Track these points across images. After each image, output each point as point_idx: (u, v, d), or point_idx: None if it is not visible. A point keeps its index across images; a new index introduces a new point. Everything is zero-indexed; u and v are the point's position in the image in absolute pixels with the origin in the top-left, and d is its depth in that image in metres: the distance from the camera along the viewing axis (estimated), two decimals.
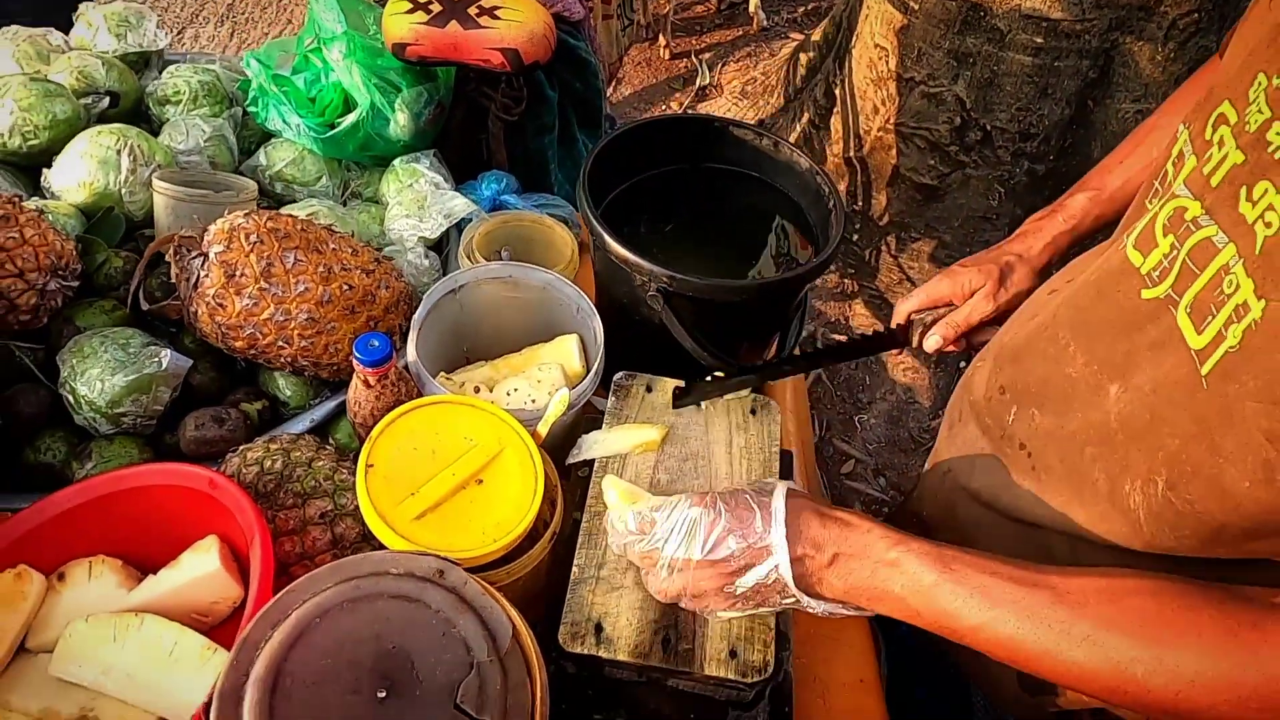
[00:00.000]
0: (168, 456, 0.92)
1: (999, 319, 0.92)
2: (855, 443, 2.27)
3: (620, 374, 0.96)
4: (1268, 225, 0.52)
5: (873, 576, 0.62)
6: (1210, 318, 0.56)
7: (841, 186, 2.51)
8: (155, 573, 0.81)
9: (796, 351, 0.99)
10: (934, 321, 0.96)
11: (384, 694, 0.63)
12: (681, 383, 0.90)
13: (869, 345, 0.97)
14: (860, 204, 2.44)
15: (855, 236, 2.48)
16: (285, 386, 0.99)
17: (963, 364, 2.39)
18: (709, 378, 0.87)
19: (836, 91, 2.44)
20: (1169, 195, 0.62)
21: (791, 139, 2.71)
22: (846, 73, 2.36)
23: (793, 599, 0.65)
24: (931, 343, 0.95)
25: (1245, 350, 0.54)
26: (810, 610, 0.66)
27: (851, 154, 2.39)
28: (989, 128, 2.07)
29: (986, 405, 0.84)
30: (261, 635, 0.65)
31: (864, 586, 0.63)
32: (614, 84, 3.30)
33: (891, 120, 2.23)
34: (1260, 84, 0.56)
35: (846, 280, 2.54)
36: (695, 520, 0.66)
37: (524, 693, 0.66)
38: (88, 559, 0.82)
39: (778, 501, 0.66)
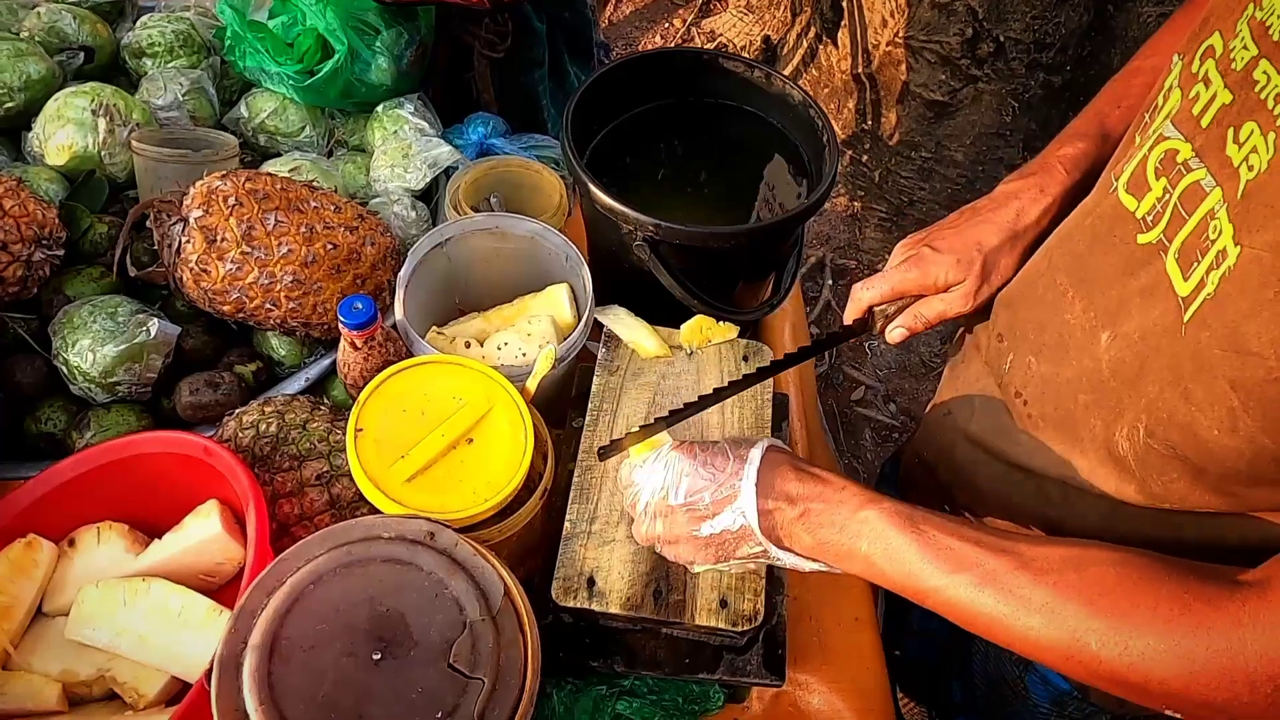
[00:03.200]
0: (166, 421, 0.93)
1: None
2: (865, 369, 2.26)
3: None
4: (1250, 168, 0.50)
5: (841, 533, 0.62)
6: (1195, 264, 0.54)
7: (850, 104, 2.42)
8: (161, 536, 0.83)
9: (756, 367, 0.82)
10: (898, 311, 0.84)
11: (379, 656, 0.65)
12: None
13: (823, 346, 0.86)
14: (869, 123, 2.36)
15: (865, 157, 2.41)
16: (279, 346, 1.00)
17: None
18: (638, 428, 0.77)
19: (844, 3, 2.33)
20: (1158, 137, 0.59)
21: (798, 55, 2.60)
22: None
23: (760, 548, 0.66)
24: (895, 335, 0.84)
25: (1219, 297, 0.52)
26: (778, 563, 0.67)
27: (860, 70, 2.30)
28: (1002, 39, 1.97)
29: (986, 350, 0.83)
30: (258, 603, 0.66)
31: (832, 542, 0.63)
32: (615, 2, 3.17)
33: (901, 33, 2.13)
34: (1248, 13, 0.53)
35: (856, 203, 2.48)
36: (670, 465, 0.67)
37: (516, 650, 0.68)
38: (95, 525, 0.84)
39: (754, 452, 0.66)
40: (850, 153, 2.42)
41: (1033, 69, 2.02)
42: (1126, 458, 0.65)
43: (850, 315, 0.87)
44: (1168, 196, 0.58)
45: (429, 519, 0.73)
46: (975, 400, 0.84)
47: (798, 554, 0.65)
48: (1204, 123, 0.55)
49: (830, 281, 2.38)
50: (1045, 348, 0.72)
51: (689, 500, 0.66)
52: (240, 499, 0.78)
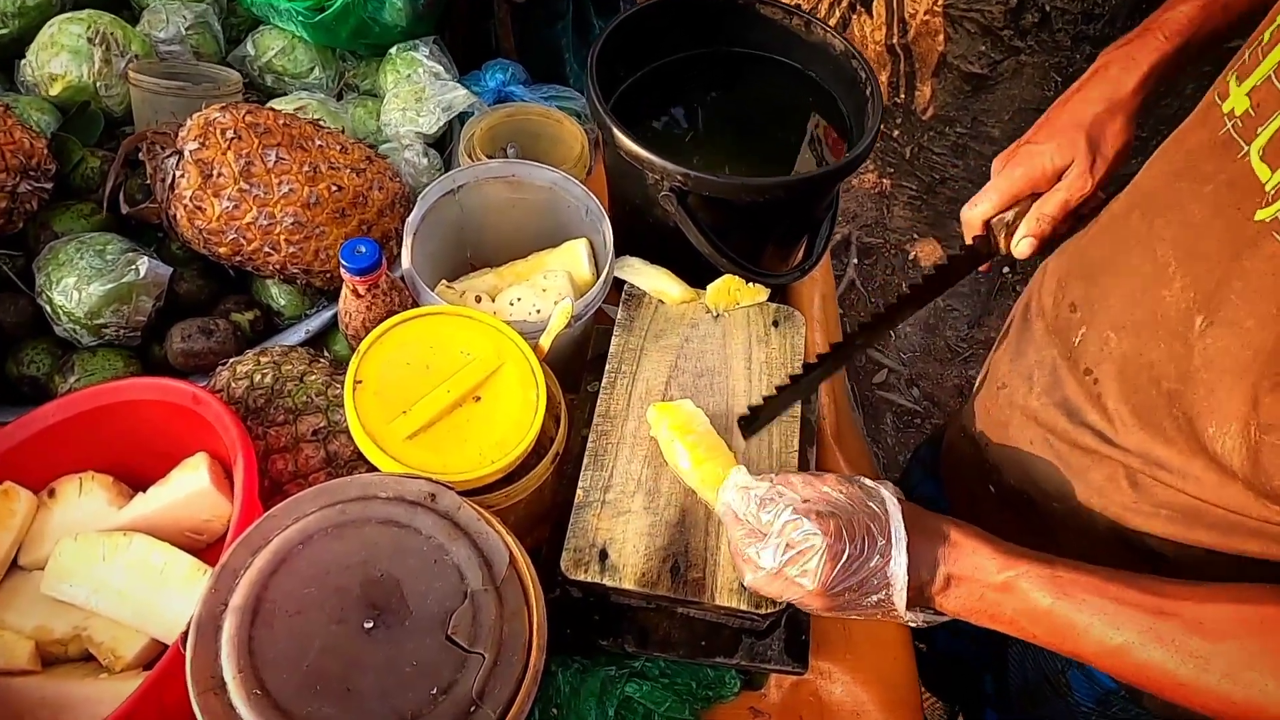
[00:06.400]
0: (157, 369, 0.88)
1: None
2: (889, 351, 2.18)
3: (631, 283, 0.90)
4: None
5: (982, 600, 0.59)
6: None
7: (882, 78, 2.33)
8: (147, 490, 0.78)
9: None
10: (1017, 220, 0.76)
11: (371, 624, 0.60)
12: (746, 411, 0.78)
13: (947, 276, 0.79)
14: (902, 96, 2.27)
15: (896, 132, 2.32)
16: (279, 295, 0.94)
17: (1006, 270, 2.26)
18: (776, 390, 0.76)
19: None
20: None
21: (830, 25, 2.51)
22: None
23: (895, 616, 0.61)
24: (1024, 247, 0.76)
25: None
26: (910, 625, 0.62)
27: (895, 41, 2.21)
28: (1048, 8, 1.88)
29: (1053, 319, 0.76)
30: (241, 562, 0.61)
31: (974, 609, 0.60)
32: None
33: (940, 2, 2.04)
34: None
35: (885, 180, 2.39)
36: (818, 551, 0.58)
37: (520, 623, 0.62)
38: (78, 475, 0.79)
39: (898, 529, 0.60)
40: (880, 127, 2.33)
41: (1079, 41, 1.93)
42: (1228, 455, 0.58)
43: (968, 236, 0.80)
44: None
45: (430, 479, 0.67)
46: (1036, 373, 0.77)
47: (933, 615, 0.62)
48: None
49: (856, 260, 2.30)
50: (1131, 325, 0.64)
51: (833, 589, 0.59)
52: (230, 451, 0.73)
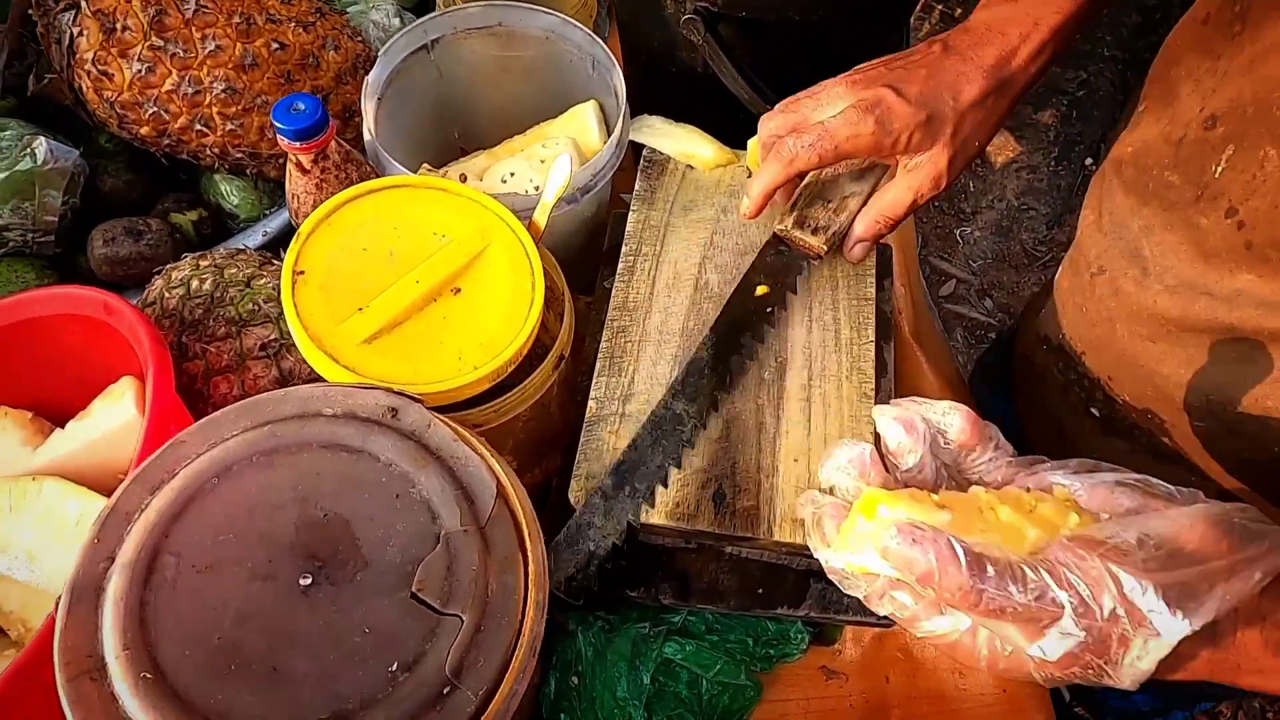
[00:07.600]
0: (82, 283, 0.73)
1: None
2: (956, 260, 1.96)
3: (651, 147, 0.71)
4: None
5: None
6: None
7: None
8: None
9: None
10: (826, 208, 0.61)
11: (309, 580, 0.45)
12: None
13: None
14: None
15: (959, 12, 2.05)
16: (230, 192, 0.78)
17: (1089, 161, 2.00)
18: None
19: None
20: None
21: None
22: None
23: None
24: (859, 252, 0.62)
25: None
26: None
27: None
28: None
29: (1175, 151, 0.56)
30: (135, 504, 0.46)
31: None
32: None
33: None
34: None
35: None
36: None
37: (512, 575, 0.46)
38: None
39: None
40: (940, 7, 2.07)
41: None
42: None
43: (763, 199, 0.59)
44: None
45: (390, 390, 0.51)
46: (1145, 245, 0.58)
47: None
48: None
49: None
50: None
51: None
52: (144, 368, 0.58)
